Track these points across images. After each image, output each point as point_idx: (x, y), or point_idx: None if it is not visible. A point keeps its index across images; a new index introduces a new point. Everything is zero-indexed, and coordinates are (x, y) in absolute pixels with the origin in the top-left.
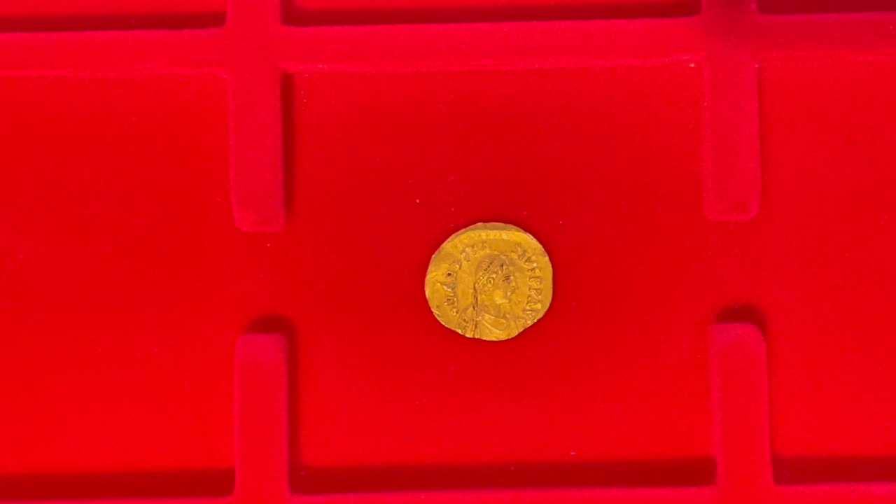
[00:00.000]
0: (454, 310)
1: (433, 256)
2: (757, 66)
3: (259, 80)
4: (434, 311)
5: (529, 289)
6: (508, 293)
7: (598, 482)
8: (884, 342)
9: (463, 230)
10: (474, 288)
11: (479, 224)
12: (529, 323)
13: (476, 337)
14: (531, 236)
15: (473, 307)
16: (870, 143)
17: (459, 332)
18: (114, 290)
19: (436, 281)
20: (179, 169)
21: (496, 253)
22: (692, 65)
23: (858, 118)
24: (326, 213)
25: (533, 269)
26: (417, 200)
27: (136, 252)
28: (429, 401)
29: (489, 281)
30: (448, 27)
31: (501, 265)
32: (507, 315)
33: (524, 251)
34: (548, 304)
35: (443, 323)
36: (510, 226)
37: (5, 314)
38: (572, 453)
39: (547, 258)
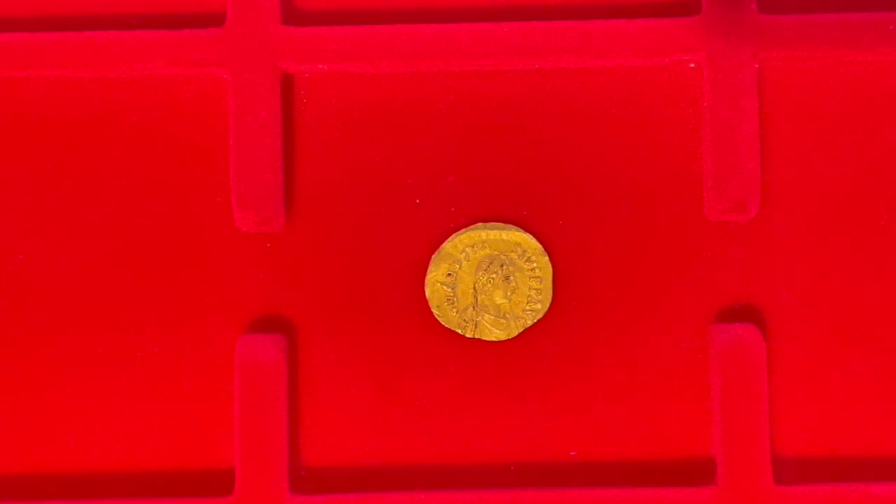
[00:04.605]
0: (454, 310)
1: (433, 256)
2: (757, 66)
3: (259, 80)
4: (434, 311)
5: (529, 289)
6: (508, 293)
7: (598, 482)
8: (884, 342)
9: (463, 230)
10: (474, 288)
11: (479, 224)
12: (529, 323)
13: (476, 337)
14: (531, 236)
15: (473, 307)
16: (870, 143)
17: (459, 332)
18: (114, 290)
19: (436, 281)
20: (179, 169)
21: (496, 253)
22: (692, 65)
23: (858, 118)
24: (326, 213)
25: (533, 269)
26: (417, 200)
27: (136, 252)
28: (429, 401)
29: (489, 281)
30: (448, 27)
31: (501, 265)
32: (507, 315)
33: (524, 251)
34: (548, 304)
35: (443, 323)
36: (510, 226)
37: (5, 314)
38: (572, 453)
39: (547, 258)
